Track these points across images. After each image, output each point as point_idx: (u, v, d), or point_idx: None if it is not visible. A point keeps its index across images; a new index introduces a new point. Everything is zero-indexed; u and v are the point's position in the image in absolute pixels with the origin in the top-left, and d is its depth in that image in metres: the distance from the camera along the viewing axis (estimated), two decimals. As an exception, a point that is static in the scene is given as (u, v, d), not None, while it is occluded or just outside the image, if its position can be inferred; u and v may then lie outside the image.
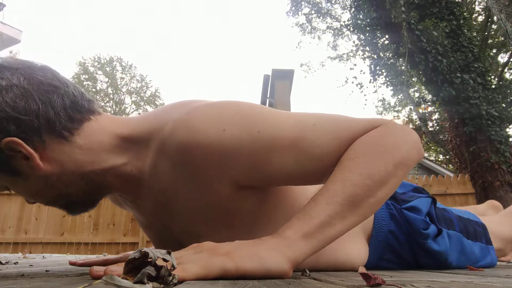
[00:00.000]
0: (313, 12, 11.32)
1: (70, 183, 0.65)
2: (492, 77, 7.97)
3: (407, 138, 0.64)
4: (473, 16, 9.56)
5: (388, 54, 6.65)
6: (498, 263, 1.10)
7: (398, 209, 0.88)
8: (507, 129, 6.05)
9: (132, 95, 22.74)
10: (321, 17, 11.38)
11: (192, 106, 0.63)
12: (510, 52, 10.05)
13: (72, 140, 0.63)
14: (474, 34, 6.93)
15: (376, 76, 6.78)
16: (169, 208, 0.68)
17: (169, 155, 0.62)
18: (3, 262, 1.12)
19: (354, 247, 0.81)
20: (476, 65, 5.28)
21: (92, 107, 0.67)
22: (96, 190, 0.69)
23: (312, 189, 0.74)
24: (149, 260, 0.39)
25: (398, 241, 0.86)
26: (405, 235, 0.87)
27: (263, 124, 0.61)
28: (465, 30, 5.63)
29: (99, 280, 0.45)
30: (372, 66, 6.74)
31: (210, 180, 0.62)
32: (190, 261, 0.48)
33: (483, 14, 9.96)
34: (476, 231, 1.03)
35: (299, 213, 0.58)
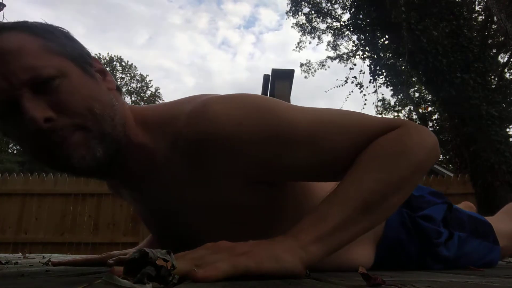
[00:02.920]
0: (313, 12, 11.31)
1: (121, 118, 0.64)
2: (492, 77, 7.97)
3: (424, 143, 0.63)
4: (473, 16, 9.56)
5: (388, 54, 6.66)
6: (499, 262, 1.10)
7: (412, 217, 0.87)
8: (507, 129, 6.05)
9: (132, 95, 22.75)
10: (321, 17, 11.37)
11: (207, 97, 0.63)
12: (510, 52, 10.05)
13: (120, 96, 0.68)
14: (474, 34, 6.92)
15: (376, 76, 6.78)
16: (177, 201, 0.67)
17: (183, 146, 0.62)
18: (3, 262, 1.12)
19: (361, 252, 0.80)
20: (476, 65, 5.27)
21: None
22: (118, 154, 0.64)
23: (324, 188, 0.74)
24: (149, 260, 0.39)
25: (405, 249, 0.86)
26: (415, 243, 0.86)
27: (279, 119, 0.61)
28: (465, 30, 5.62)
29: (99, 280, 0.45)
30: (372, 66, 6.74)
31: (223, 172, 0.62)
32: (217, 260, 0.49)
33: (483, 14, 9.96)
34: (485, 231, 1.04)
35: (312, 214, 0.57)
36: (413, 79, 7.38)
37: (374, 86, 7.32)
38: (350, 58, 11.93)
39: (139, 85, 22.91)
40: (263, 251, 0.52)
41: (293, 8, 11.07)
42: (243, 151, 0.60)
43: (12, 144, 17.59)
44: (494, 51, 10.31)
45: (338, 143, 0.62)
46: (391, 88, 7.07)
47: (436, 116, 12.36)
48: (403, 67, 6.14)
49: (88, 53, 0.66)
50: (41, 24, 0.63)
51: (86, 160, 0.59)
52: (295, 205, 0.71)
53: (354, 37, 7.83)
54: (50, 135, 0.56)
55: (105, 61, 21.59)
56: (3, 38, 0.57)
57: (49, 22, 0.65)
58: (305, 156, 0.62)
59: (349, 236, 0.58)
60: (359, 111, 0.73)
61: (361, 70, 8.17)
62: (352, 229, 0.57)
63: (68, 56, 0.60)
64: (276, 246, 0.53)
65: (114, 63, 22.26)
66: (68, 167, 0.60)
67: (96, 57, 0.69)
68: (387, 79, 6.84)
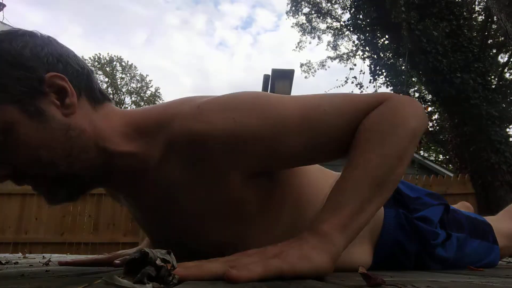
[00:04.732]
0: (313, 12, 11.32)
1: (84, 146, 0.63)
2: (492, 77, 7.97)
3: (414, 110, 0.65)
4: (473, 16, 9.55)
5: (388, 54, 6.66)
6: (499, 262, 1.10)
7: (409, 219, 0.87)
8: (507, 129, 6.05)
9: (132, 95, 22.76)
10: (321, 17, 11.38)
11: (201, 100, 0.64)
12: (510, 52, 10.05)
13: (96, 110, 0.66)
14: (474, 34, 6.92)
15: (376, 76, 6.79)
16: (174, 204, 0.67)
17: (179, 149, 0.62)
18: (3, 262, 1.12)
19: (359, 252, 0.80)
20: (476, 65, 5.28)
21: (108, 95, 0.72)
22: (101, 171, 0.66)
23: (326, 180, 0.74)
24: (149, 260, 0.39)
25: (403, 250, 0.86)
26: (414, 244, 0.86)
27: (270, 109, 0.62)
28: (465, 30, 5.63)
29: (99, 280, 0.45)
30: (372, 66, 6.75)
31: (221, 170, 0.63)
32: (250, 262, 0.49)
33: (483, 14, 9.95)
34: (484, 230, 1.04)
35: (328, 204, 0.58)
36: (413, 79, 7.38)
37: (374, 86, 7.32)
38: (350, 58, 11.94)
39: (139, 85, 22.93)
40: (294, 252, 0.51)
41: (293, 8, 11.08)
42: (240, 145, 0.61)
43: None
44: (494, 51, 10.31)
45: (332, 123, 0.63)
46: (391, 88, 7.06)
47: (436, 116, 12.35)
48: (403, 67, 6.14)
49: (38, 77, 0.59)
50: None
51: (57, 200, 0.65)
52: (290, 201, 0.72)
53: (354, 37, 7.85)
54: (15, 183, 0.62)
55: (105, 61, 21.58)
56: None
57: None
58: (301, 142, 0.63)
59: (367, 217, 0.58)
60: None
61: (361, 70, 8.18)
62: (368, 210, 0.58)
63: (11, 99, 0.57)
64: (305, 245, 0.53)
65: (114, 63, 22.25)
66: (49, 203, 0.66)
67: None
68: (387, 79, 6.84)
